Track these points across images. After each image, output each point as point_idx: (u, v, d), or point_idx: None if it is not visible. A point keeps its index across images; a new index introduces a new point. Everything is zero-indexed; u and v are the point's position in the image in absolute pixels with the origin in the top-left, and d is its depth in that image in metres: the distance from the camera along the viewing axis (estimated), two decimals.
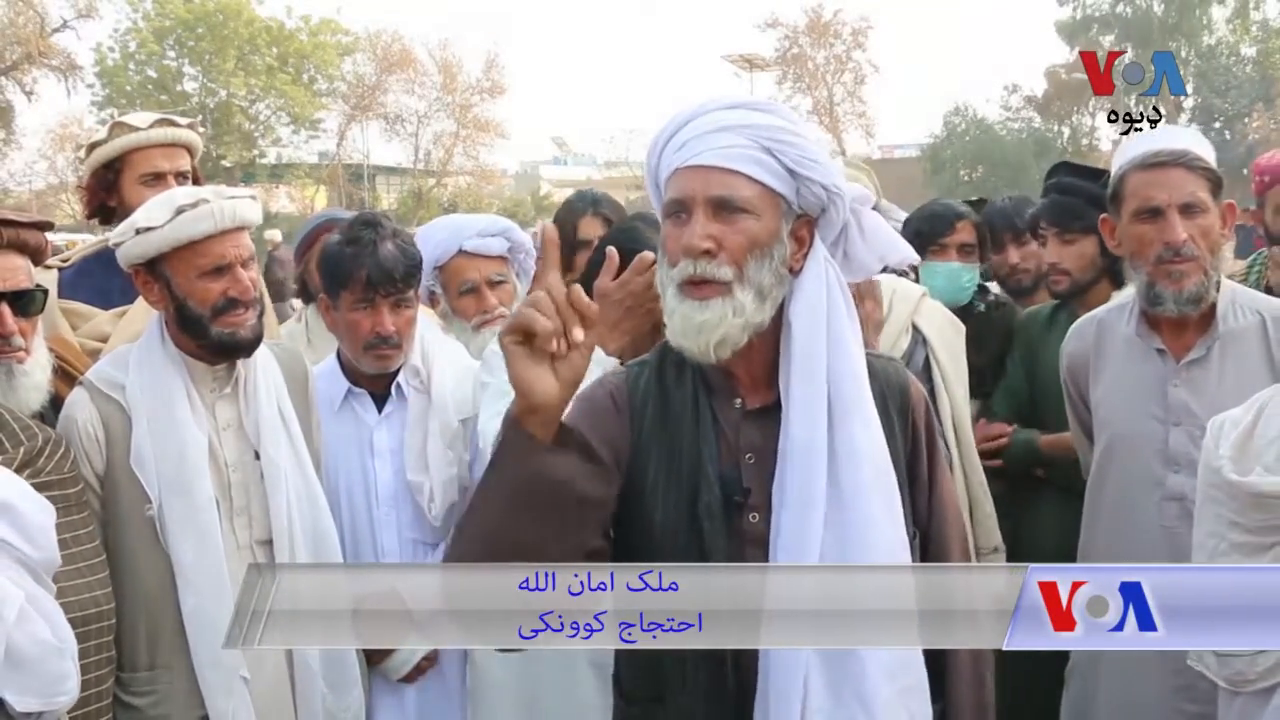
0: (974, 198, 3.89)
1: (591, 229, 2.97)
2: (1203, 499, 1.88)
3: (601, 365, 2.31)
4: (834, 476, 1.51)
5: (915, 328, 2.70)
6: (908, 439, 1.65)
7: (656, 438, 1.58)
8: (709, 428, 1.58)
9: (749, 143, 1.50)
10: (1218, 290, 2.25)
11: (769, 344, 1.57)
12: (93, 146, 2.77)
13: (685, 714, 1.55)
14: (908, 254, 1.69)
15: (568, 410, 1.64)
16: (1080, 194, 2.94)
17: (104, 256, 2.83)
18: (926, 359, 2.64)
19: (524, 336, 1.34)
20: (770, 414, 1.57)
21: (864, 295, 2.34)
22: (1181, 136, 2.31)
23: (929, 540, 1.69)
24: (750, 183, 1.50)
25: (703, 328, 1.49)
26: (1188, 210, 2.19)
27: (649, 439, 1.58)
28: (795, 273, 1.56)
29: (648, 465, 1.57)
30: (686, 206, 1.51)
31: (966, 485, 2.61)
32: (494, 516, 1.42)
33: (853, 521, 1.50)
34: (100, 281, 2.67)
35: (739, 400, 1.60)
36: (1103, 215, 2.39)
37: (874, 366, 1.61)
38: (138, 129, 2.78)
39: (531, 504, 1.40)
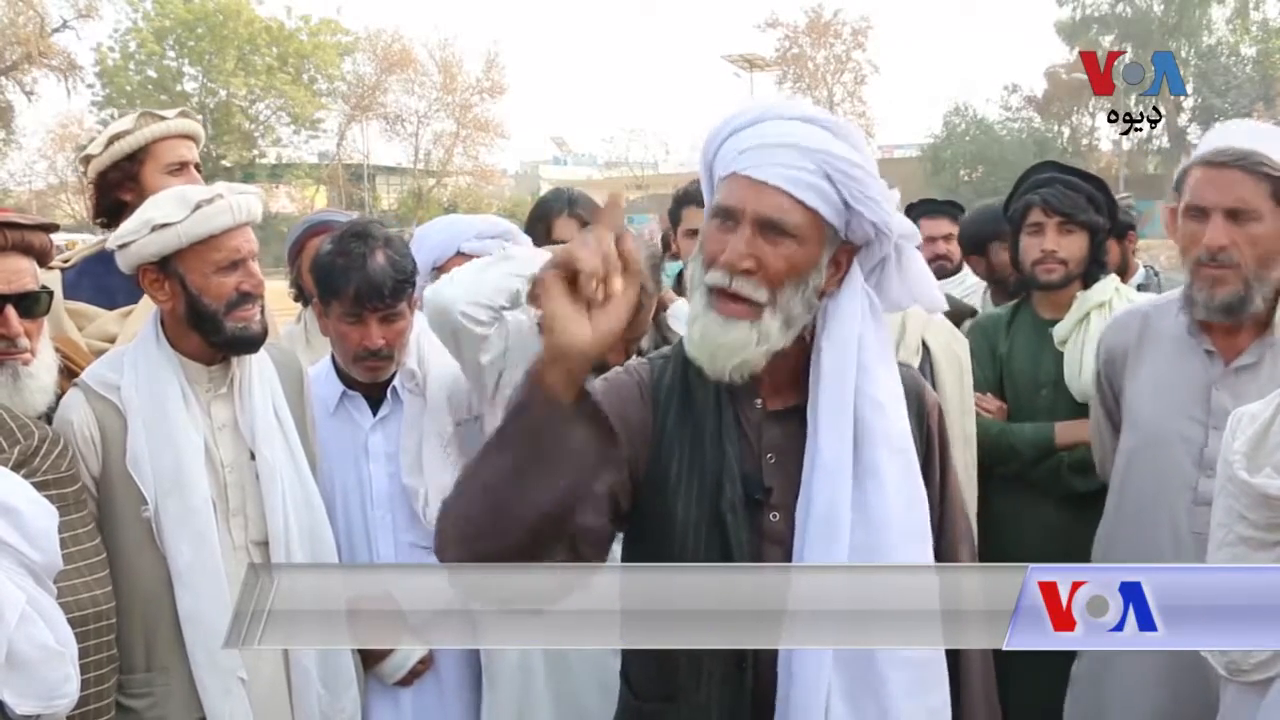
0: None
1: (567, 230, 2.96)
2: (1218, 488, 1.86)
3: None
4: (860, 496, 1.51)
5: (924, 345, 2.67)
6: (921, 446, 1.65)
7: (679, 433, 1.58)
8: (731, 426, 1.57)
9: (813, 167, 1.47)
10: (1269, 300, 2.15)
11: (793, 353, 1.55)
12: (114, 138, 2.74)
13: (699, 714, 1.55)
14: (939, 300, 1.68)
15: (592, 390, 1.64)
16: (1081, 191, 2.95)
17: (106, 256, 2.81)
18: (931, 377, 2.60)
19: (566, 273, 1.29)
20: (792, 416, 1.57)
21: None
22: (1257, 135, 2.18)
23: (938, 547, 1.68)
24: (804, 209, 1.48)
25: (720, 350, 1.49)
26: (1235, 215, 2.09)
27: (671, 434, 1.58)
28: (825, 295, 1.55)
29: (670, 460, 1.57)
30: (735, 216, 1.49)
31: None
32: (498, 471, 1.37)
33: (878, 541, 1.50)
34: (104, 281, 2.66)
35: (760, 401, 1.59)
36: (1170, 205, 2.27)
37: None
38: (165, 118, 2.79)
39: (538, 468, 1.36)
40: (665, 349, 1.70)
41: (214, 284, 2.06)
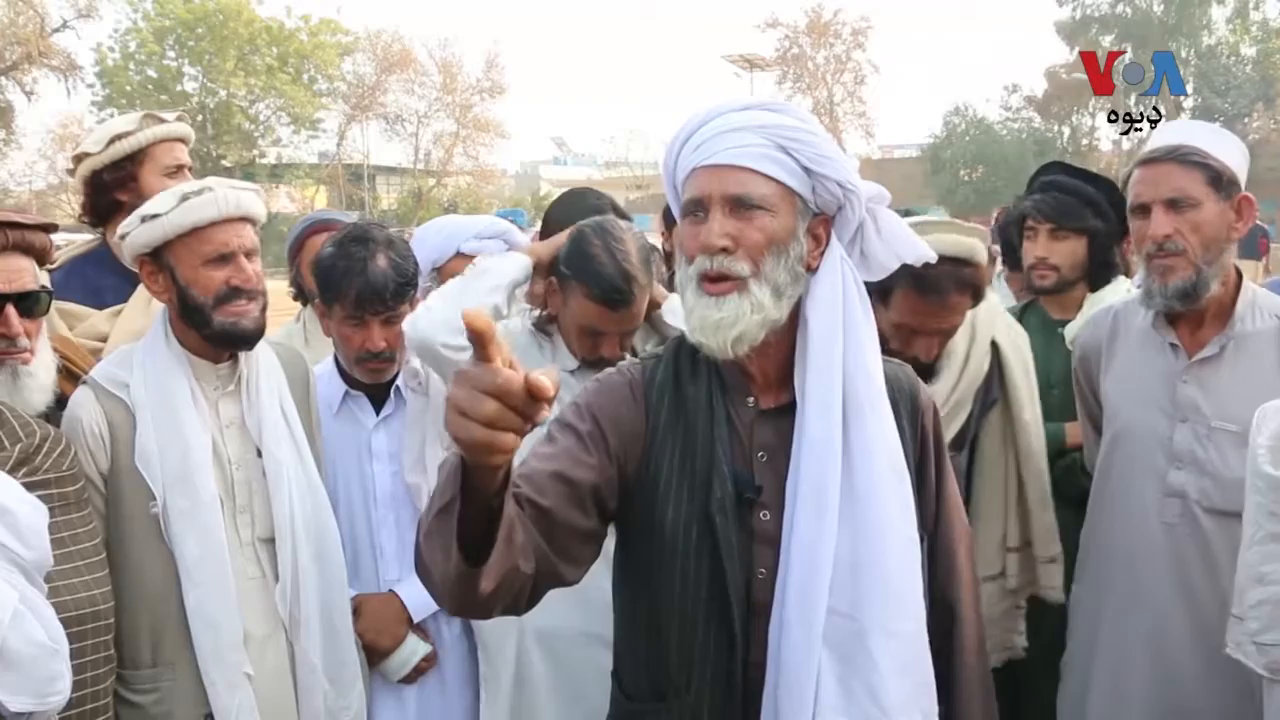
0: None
1: None
2: (1248, 486, 1.87)
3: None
4: (848, 473, 1.52)
5: (993, 343, 2.64)
6: (917, 444, 1.66)
7: (671, 433, 1.58)
8: (722, 425, 1.58)
9: (765, 141, 1.51)
10: (1229, 287, 2.22)
11: (784, 342, 1.57)
12: (116, 138, 2.74)
13: (692, 711, 1.56)
14: (924, 253, 1.69)
15: (585, 390, 1.64)
16: (1077, 194, 2.97)
17: (94, 256, 2.81)
18: (1001, 375, 2.57)
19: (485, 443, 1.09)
20: (783, 414, 1.58)
21: None
22: (1187, 131, 2.26)
23: (936, 545, 1.70)
24: (766, 180, 1.51)
25: (720, 324, 1.50)
26: (1173, 205, 2.16)
27: (663, 434, 1.58)
28: (812, 271, 1.56)
29: (662, 460, 1.58)
30: (704, 205, 1.52)
31: (1027, 497, 2.59)
32: (446, 562, 1.30)
33: (866, 517, 1.51)
34: (93, 281, 2.66)
35: (752, 399, 1.60)
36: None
37: (884, 371, 1.61)
38: (165, 120, 2.80)
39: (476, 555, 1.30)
40: (658, 349, 1.71)
41: (202, 277, 2.07)
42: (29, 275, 2.03)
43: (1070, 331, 2.93)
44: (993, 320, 2.61)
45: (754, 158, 1.50)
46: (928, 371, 2.42)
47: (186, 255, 2.07)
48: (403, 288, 2.32)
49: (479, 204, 38.78)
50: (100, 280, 2.64)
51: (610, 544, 1.69)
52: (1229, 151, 2.20)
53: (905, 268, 2.23)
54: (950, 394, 2.44)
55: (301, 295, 3.07)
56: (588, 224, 2.36)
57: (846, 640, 1.48)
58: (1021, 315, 3.09)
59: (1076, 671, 2.40)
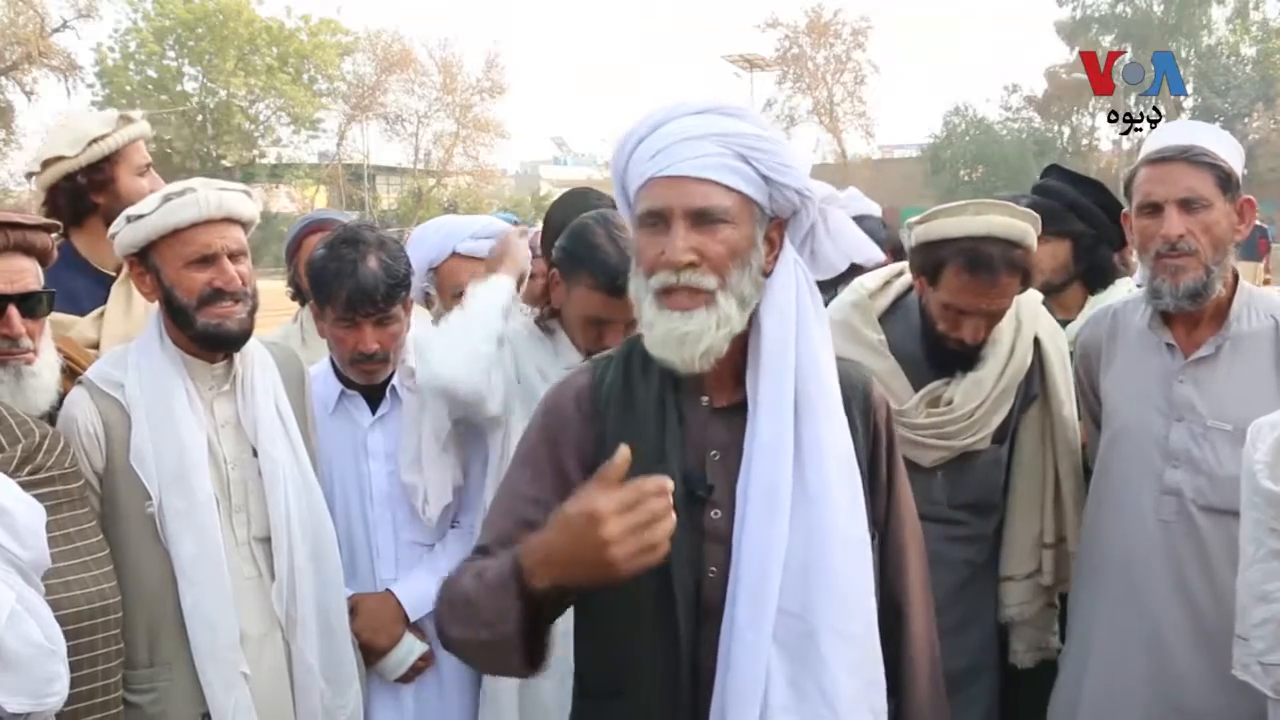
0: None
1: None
2: (1244, 503, 1.87)
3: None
4: (799, 473, 1.51)
5: (1035, 340, 2.64)
6: (869, 441, 1.66)
7: (622, 433, 1.56)
8: (675, 424, 1.57)
9: (724, 150, 1.49)
10: (1227, 287, 2.22)
11: (737, 344, 1.56)
12: (94, 140, 2.72)
13: (642, 709, 1.56)
14: (874, 253, 1.68)
15: (535, 411, 1.66)
16: (1060, 197, 2.96)
17: (67, 260, 2.78)
18: (1042, 371, 2.56)
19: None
20: (736, 412, 1.57)
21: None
22: (1193, 131, 2.27)
23: (886, 542, 1.69)
24: (727, 192, 1.49)
25: (686, 339, 1.49)
26: (1187, 205, 2.16)
27: (614, 435, 1.56)
28: (766, 275, 1.56)
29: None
30: (664, 217, 1.50)
31: (1061, 491, 2.58)
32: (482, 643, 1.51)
33: (817, 517, 1.51)
34: (65, 285, 2.63)
35: (705, 398, 1.60)
36: (1124, 211, 2.37)
37: (837, 370, 1.61)
38: (135, 120, 2.80)
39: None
40: (610, 350, 1.70)
41: (185, 278, 2.07)
42: (31, 276, 2.04)
43: (1071, 332, 2.94)
44: (1036, 316, 2.62)
45: (715, 169, 1.49)
46: (973, 358, 2.44)
47: (170, 256, 2.07)
48: (394, 289, 2.32)
49: (479, 204, 38.78)
50: (73, 284, 2.61)
51: None
52: (1231, 153, 2.21)
53: (958, 246, 2.25)
54: (995, 383, 2.44)
55: (299, 295, 3.07)
56: (589, 215, 2.37)
57: (797, 640, 1.48)
58: None
59: (1072, 668, 2.41)
